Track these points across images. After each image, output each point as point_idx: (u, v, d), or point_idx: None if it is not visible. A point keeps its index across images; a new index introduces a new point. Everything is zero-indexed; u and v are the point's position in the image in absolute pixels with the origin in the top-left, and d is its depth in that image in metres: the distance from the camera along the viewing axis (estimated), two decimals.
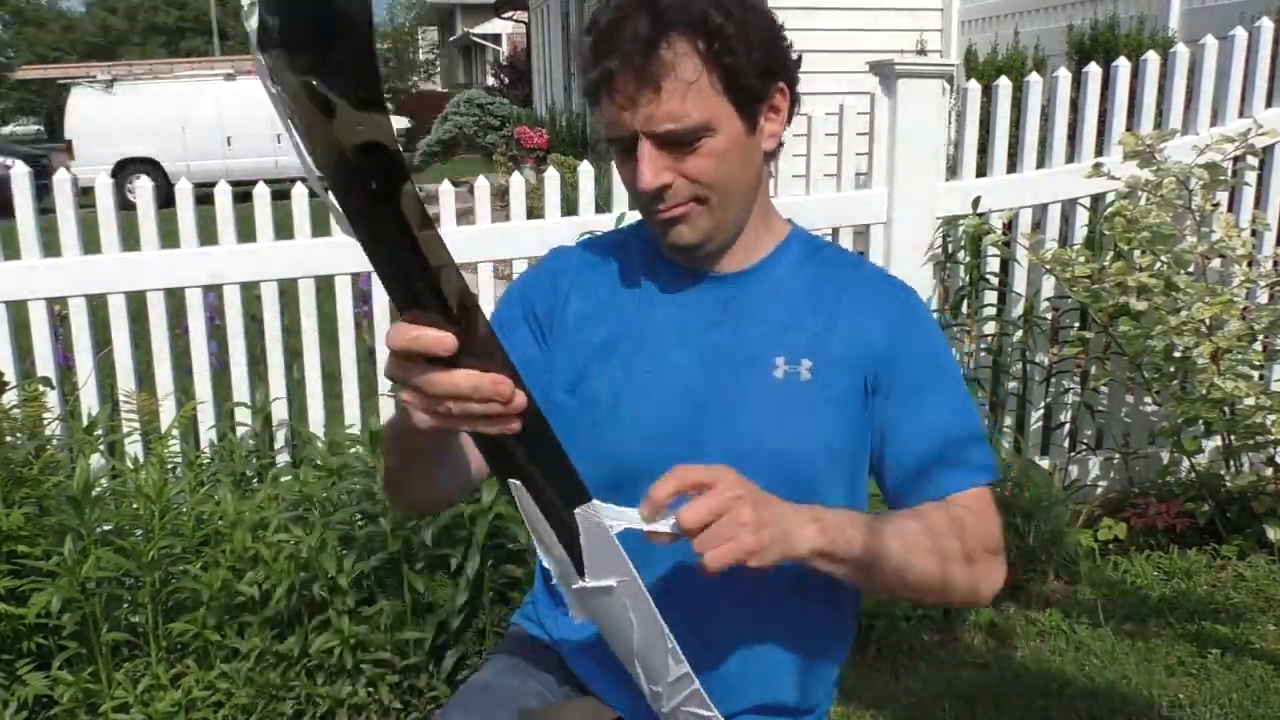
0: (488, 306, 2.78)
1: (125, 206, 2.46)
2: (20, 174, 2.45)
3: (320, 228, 2.66)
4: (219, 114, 14.79)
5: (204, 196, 2.49)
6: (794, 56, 1.09)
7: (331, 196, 0.69)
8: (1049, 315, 3.11)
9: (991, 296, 3.09)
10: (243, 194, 2.55)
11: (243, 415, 2.66)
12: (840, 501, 1.09)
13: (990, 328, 3.07)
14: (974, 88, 3.02)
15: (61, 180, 2.47)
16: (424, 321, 0.74)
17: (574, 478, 0.84)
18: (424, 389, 0.77)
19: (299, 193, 2.63)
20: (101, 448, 2.38)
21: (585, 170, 2.79)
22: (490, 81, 20.39)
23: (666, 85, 1.00)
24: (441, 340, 0.74)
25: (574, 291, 1.17)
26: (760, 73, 1.04)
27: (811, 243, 1.19)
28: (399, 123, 16.60)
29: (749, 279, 1.14)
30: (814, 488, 1.07)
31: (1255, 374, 2.90)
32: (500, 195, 6.52)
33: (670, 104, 1.00)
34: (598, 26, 1.03)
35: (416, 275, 0.71)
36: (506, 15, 18.61)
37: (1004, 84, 3.01)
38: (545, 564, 0.94)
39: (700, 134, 1.02)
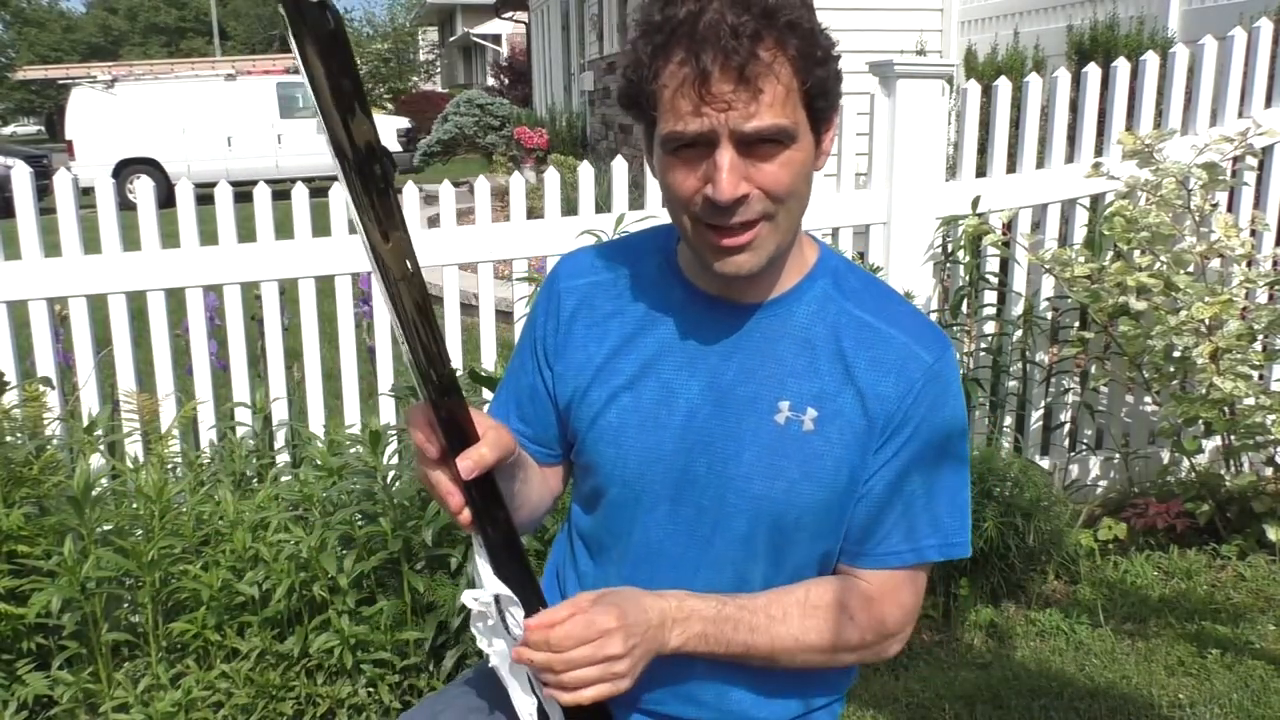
0: (488, 308, 2.79)
1: (125, 206, 2.46)
2: (21, 174, 2.45)
3: (320, 228, 2.67)
4: (219, 114, 14.79)
5: (204, 196, 2.49)
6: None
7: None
8: (1049, 315, 3.11)
9: (991, 296, 3.09)
10: (243, 194, 2.56)
11: (243, 415, 2.66)
12: (812, 549, 1.11)
13: (990, 328, 3.07)
14: (973, 88, 3.02)
15: (62, 180, 2.47)
16: (427, 419, 0.93)
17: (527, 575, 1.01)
18: (416, 464, 0.98)
19: (299, 193, 2.63)
20: (101, 448, 2.38)
21: (585, 170, 2.80)
22: (490, 82, 20.40)
23: (766, 88, 0.94)
24: (426, 446, 0.93)
25: (580, 312, 1.16)
26: (835, 82, 1.00)
27: (838, 274, 1.13)
28: (399, 123, 16.60)
29: (768, 312, 1.09)
30: (792, 536, 1.09)
31: (1255, 374, 2.90)
32: (500, 195, 6.53)
33: (766, 106, 0.94)
34: (673, 18, 0.95)
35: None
36: (506, 15, 18.61)
37: (1003, 84, 3.01)
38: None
39: (786, 141, 0.97)
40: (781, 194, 0.99)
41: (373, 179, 0.84)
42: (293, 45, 0.78)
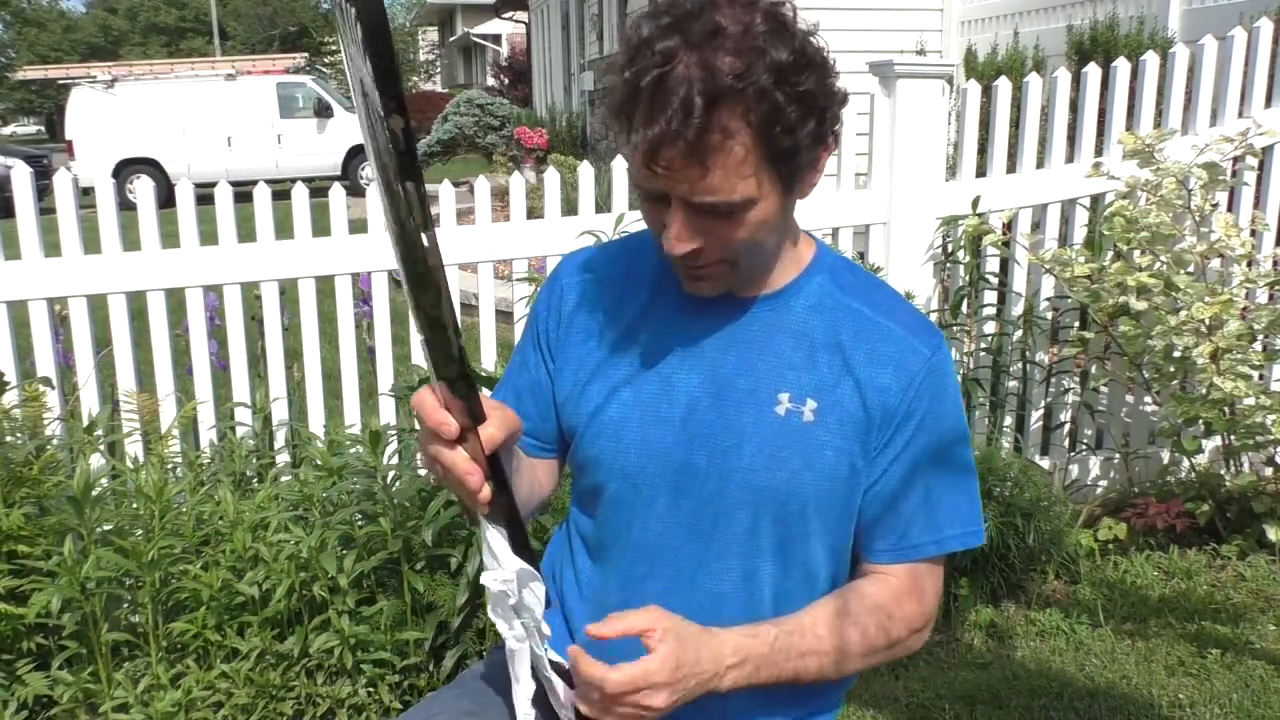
0: (488, 308, 2.79)
1: (125, 206, 2.46)
2: (21, 174, 2.45)
3: (320, 228, 2.67)
4: (219, 114, 14.79)
5: (204, 196, 2.49)
6: (840, 94, 1.00)
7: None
8: (1049, 315, 3.11)
9: (991, 296, 3.09)
10: (243, 194, 2.56)
11: (243, 415, 2.66)
12: (820, 544, 1.11)
13: (990, 328, 3.07)
14: (973, 88, 3.02)
15: (62, 180, 2.47)
16: (440, 401, 0.90)
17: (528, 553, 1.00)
18: (426, 448, 0.93)
19: (299, 193, 2.63)
20: (101, 448, 2.38)
21: (585, 170, 2.80)
22: (490, 82, 20.40)
23: (715, 165, 0.93)
24: (447, 424, 0.89)
25: (581, 307, 1.17)
26: (812, 142, 0.98)
27: (835, 270, 1.14)
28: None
29: (765, 306, 1.11)
30: (795, 530, 1.09)
31: (1255, 374, 2.90)
32: (500, 195, 6.53)
33: (715, 182, 0.94)
34: (639, 77, 0.93)
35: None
36: (506, 15, 18.63)
37: (1003, 84, 3.01)
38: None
39: (742, 210, 0.97)
40: (735, 249, 1.01)
41: (414, 166, 0.80)
42: (340, 23, 0.77)
